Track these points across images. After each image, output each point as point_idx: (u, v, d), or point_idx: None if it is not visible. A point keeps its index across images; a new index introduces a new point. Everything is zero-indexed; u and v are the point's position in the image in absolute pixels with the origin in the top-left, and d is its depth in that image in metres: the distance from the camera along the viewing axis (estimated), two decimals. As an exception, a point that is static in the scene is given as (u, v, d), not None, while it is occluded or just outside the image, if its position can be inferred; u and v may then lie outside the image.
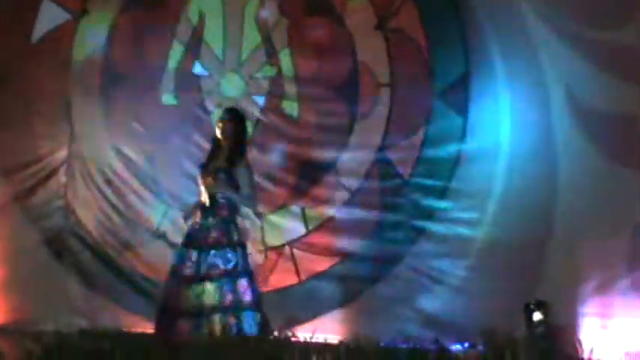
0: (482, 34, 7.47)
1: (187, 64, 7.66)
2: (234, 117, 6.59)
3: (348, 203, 7.68)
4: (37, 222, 7.47)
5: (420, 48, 7.64)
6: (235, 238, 6.51)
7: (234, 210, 6.54)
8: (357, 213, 7.66)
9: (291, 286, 7.63)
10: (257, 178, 7.60)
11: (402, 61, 7.67)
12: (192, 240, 6.43)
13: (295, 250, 7.68)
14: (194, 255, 6.36)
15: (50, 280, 6.86)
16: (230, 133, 6.51)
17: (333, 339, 7.13)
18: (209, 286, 6.32)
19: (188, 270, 6.34)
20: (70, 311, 7.34)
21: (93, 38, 7.60)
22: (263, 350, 6.11)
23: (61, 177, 7.48)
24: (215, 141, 6.60)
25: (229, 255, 6.43)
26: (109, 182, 7.64)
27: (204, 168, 6.53)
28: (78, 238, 7.59)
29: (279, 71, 7.70)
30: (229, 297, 6.38)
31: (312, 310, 7.54)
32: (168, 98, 7.65)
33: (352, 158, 7.69)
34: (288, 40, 7.68)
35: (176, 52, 7.65)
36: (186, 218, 6.55)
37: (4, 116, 7.47)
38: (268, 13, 7.68)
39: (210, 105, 7.66)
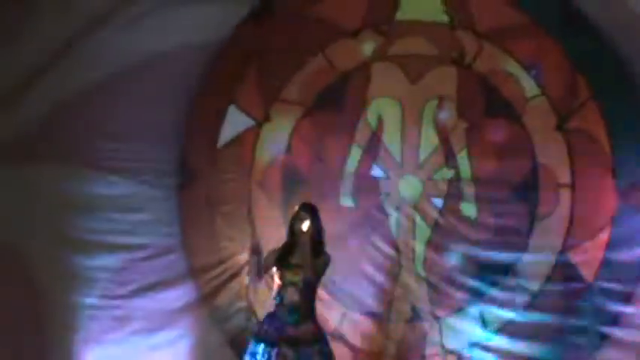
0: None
1: (366, 166, 7.74)
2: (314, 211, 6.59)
3: (528, 306, 7.54)
4: (221, 323, 7.60)
5: (602, 147, 7.54)
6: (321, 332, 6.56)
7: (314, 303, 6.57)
8: (538, 316, 7.51)
9: (472, 391, 7.52)
10: (435, 281, 7.62)
11: (583, 161, 7.59)
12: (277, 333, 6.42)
13: (475, 354, 7.54)
14: (289, 350, 6.36)
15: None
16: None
17: None
18: None
19: None
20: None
21: (275, 143, 7.77)
22: None
23: (244, 278, 7.62)
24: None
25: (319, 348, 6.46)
26: (291, 284, 7.75)
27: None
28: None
29: (458, 173, 7.69)
30: None
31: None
32: (346, 200, 7.73)
33: (533, 260, 7.58)
34: (466, 142, 7.69)
35: (355, 155, 7.74)
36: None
37: (192, 217, 7.68)
38: (447, 115, 7.71)
39: (388, 207, 7.69)
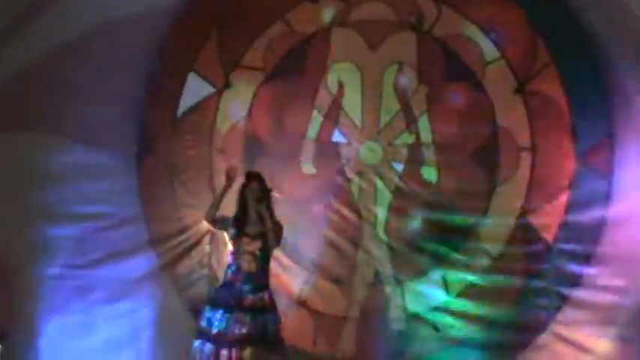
0: (626, 94, 7.34)
1: (326, 132, 7.74)
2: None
3: (490, 269, 7.60)
4: (183, 291, 7.62)
5: (562, 110, 7.58)
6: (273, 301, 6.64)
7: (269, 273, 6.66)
8: (500, 279, 7.57)
9: (434, 353, 7.55)
10: (397, 245, 7.66)
11: (542, 124, 7.63)
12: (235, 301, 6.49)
13: (437, 317, 7.59)
14: (246, 317, 6.44)
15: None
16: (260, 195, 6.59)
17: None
18: (261, 348, 6.42)
19: (239, 330, 6.42)
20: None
21: (236, 109, 7.75)
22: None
23: (205, 246, 7.62)
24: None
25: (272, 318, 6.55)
26: (251, 250, 7.77)
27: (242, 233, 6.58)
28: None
29: (418, 138, 7.71)
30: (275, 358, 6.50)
31: (456, 379, 7.48)
32: (308, 166, 7.74)
33: (494, 223, 7.62)
34: (426, 107, 7.70)
35: (315, 121, 7.74)
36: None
37: (151, 186, 7.67)
38: (407, 80, 7.72)
39: (349, 173, 7.71)
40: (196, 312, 7.41)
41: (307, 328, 7.56)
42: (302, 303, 7.61)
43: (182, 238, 7.64)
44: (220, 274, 7.44)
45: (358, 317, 7.65)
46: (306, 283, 7.65)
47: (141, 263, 7.58)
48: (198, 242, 7.64)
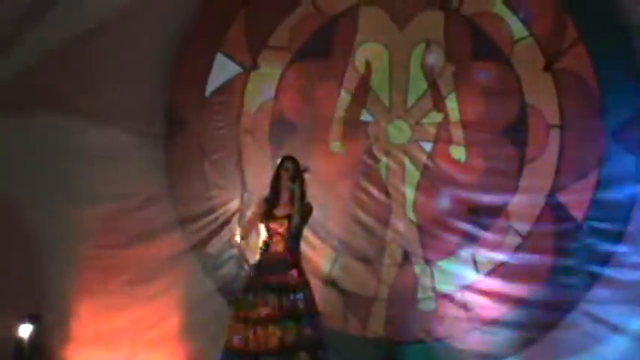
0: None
1: (354, 112, 7.73)
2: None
3: (519, 248, 7.57)
4: (212, 271, 7.64)
5: (591, 87, 7.53)
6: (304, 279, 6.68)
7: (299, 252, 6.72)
8: (530, 258, 7.54)
9: (464, 333, 7.54)
10: (426, 225, 7.64)
11: (571, 102, 7.58)
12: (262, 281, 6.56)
13: (467, 297, 7.58)
14: (271, 296, 6.49)
15: (225, 327, 6.97)
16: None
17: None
18: (291, 325, 6.45)
19: (264, 310, 6.47)
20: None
21: (263, 90, 7.76)
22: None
23: (234, 226, 7.65)
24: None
25: (303, 295, 6.59)
26: (280, 230, 7.77)
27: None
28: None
29: (446, 117, 7.69)
30: (308, 332, 6.51)
31: (487, 358, 7.45)
32: (336, 146, 7.74)
33: (523, 202, 7.60)
34: (454, 85, 7.67)
35: (343, 100, 7.73)
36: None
37: (180, 167, 7.70)
38: (435, 59, 7.70)
39: (378, 152, 7.70)
40: (226, 291, 7.48)
41: (337, 308, 7.57)
42: (331, 282, 7.61)
43: (211, 217, 7.67)
44: (249, 254, 7.52)
45: (387, 297, 7.65)
46: (335, 262, 7.66)
47: (171, 243, 7.62)
48: (227, 222, 7.66)
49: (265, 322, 6.47)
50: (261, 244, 6.64)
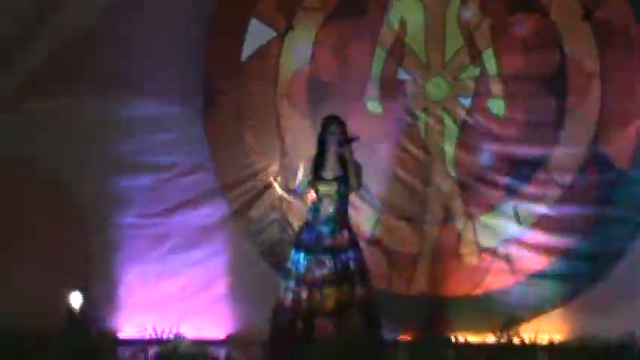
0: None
1: (391, 70, 7.69)
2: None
3: (562, 200, 7.53)
4: (255, 236, 7.72)
5: (631, 36, 7.42)
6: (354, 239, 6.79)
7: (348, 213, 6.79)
8: (573, 209, 7.51)
9: (508, 286, 7.56)
10: (467, 180, 7.63)
11: (611, 51, 7.47)
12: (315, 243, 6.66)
13: (510, 251, 7.58)
14: (325, 258, 6.60)
15: (270, 290, 7.07)
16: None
17: (556, 339, 7.06)
18: (345, 286, 6.60)
19: (319, 272, 6.59)
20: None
21: (299, 52, 7.73)
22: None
23: (276, 190, 7.70)
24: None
25: (353, 255, 6.70)
26: (319, 193, 7.81)
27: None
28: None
29: (484, 71, 7.61)
30: (360, 292, 6.63)
31: (532, 311, 7.47)
32: (374, 105, 7.72)
33: (564, 153, 7.55)
34: (491, 39, 7.59)
35: (379, 58, 7.69)
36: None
37: (219, 134, 7.73)
38: (470, 14, 7.61)
39: (416, 110, 7.67)
40: (269, 255, 7.57)
41: (381, 268, 7.60)
42: (375, 242, 7.65)
43: (252, 183, 7.72)
44: (291, 217, 7.59)
45: (430, 254, 7.67)
46: (377, 222, 7.68)
47: (213, 210, 7.70)
48: (268, 186, 7.71)
49: (321, 283, 6.61)
50: (309, 206, 6.73)
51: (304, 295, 6.62)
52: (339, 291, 6.61)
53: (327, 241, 6.69)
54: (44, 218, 7.61)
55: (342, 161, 6.73)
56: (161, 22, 7.61)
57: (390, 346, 6.97)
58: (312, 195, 6.73)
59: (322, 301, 6.60)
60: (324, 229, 6.70)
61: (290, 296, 6.67)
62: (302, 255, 6.70)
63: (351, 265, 6.70)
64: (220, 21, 7.70)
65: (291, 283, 6.68)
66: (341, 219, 6.74)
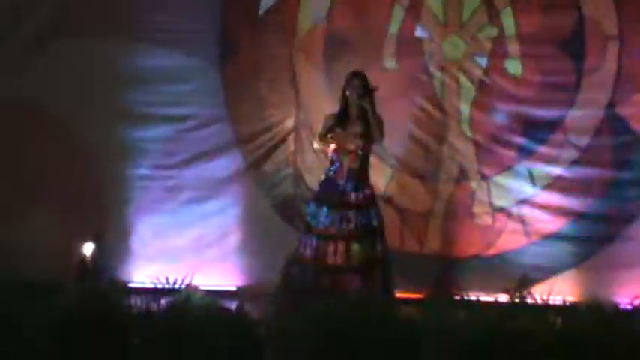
0: None
1: (408, 27, 7.66)
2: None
3: (577, 162, 7.51)
4: (268, 189, 7.71)
5: (651, -3, 7.38)
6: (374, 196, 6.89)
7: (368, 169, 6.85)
8: (588, 171, 7.49)
9: (521, 247, 7.54)
10: (482, 140, 7.61)
11: (630, 12, 7.43)
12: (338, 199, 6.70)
13: (524, 211, 7.57)
14: (350, 213, 6.65)
15: (282, 244, 7.08)
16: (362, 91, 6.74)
17: (569, 300, 7.03)
18: (367, 241, 6.69)
19: (346, 227, 6.65)
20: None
21: (316, 8, 7.70)
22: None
23: (290, 145, 7.69)
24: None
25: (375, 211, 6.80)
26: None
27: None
28: (308, 204, 7.82)
29: (502, 30, 7.58)
30: (380, 248, 6.75)
31: (544, 271, 7.45)
32: (390, 62, 7.69)
33: (580, 115, 7.52)
34: (509, -1, 7.58)
35: (397, 16, 7.66)
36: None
37: (236, 87, 7.71)
38: (490, -28, 7.59)
39: (432, 68, 7.64)
40: (282, 209, 7.57)
41: (394, 225, 7.57)
42: (388, 200, 7.63)
43: (267, 137, 7.71)
44: (304, 173, 7.59)
45: (444, 213, 7.66)
46: (391, 179, 7.67)
47: (227, 163, 7.70)
48: (282, 141, 7.70)
49: (348, 238, 6.65)
50: (331, 157, 6.78)
51: (331, 248, 6.65)
52: (363, 247, 6.67)
53: (352, 197, 6.72)
54: (60, 168, 7.62)
55: (364, 116, 6.73)
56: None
57: (402, 304, 6.95)
58: (330, 148, 6.76)
59: (350, 257, 6.64)
60: (348, 185, 6.73)
61: (310, 251, 6.70)
62: (325, 209, 6.72)
63: (374, 221, 6.75)
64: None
65: (313, 238, 6.71)
66: (364, 175, 6.79)
